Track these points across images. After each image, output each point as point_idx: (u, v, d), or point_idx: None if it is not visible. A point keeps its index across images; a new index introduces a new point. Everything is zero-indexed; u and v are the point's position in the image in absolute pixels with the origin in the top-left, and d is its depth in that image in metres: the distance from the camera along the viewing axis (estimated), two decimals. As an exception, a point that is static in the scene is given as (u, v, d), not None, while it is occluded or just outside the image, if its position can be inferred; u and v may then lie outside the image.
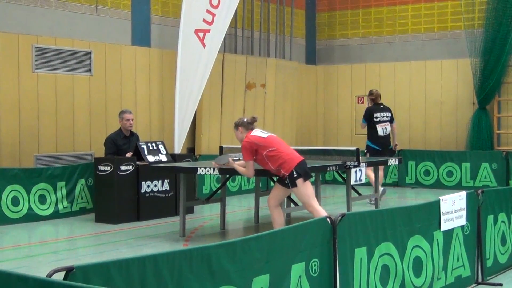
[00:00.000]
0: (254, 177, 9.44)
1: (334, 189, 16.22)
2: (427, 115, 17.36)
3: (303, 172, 8.26)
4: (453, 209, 6.61)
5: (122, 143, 11.82)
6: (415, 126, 17.51)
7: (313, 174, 9.94)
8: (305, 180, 8.28)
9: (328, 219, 5.24)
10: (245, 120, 8.60)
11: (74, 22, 13.07)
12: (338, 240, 5.27)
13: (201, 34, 13.40)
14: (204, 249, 4.25)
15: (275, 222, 8.60)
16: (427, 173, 16.18)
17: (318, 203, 8.52)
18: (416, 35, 17.75)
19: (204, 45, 13.40)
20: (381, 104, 13.75)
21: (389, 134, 13.61)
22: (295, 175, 8.20)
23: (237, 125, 8.61)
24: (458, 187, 15.25)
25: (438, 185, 15.87)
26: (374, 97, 13.70)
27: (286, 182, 8.31)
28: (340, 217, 5.29)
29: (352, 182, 10.30)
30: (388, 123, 13.57)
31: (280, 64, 17.16)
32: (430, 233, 6.32)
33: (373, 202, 12.77)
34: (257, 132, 8.47)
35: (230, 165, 8.81)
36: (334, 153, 14.47)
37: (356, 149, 10.19)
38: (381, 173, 13.58)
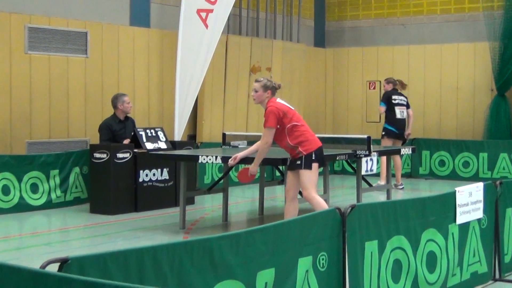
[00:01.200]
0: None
1: (343, 180, 16.23)
2: (443, 102, 17.34)
3: (321, 158, 8.20)
4: (470, 201, 6.61)
5: (118, 128, 11.83)
6: (430, 113, 17.50)
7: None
8: (319, 166, 8.24)
9: (337, 211, 5.24)
10: (276, 84, 8.36)
11: (69, 0, 13.06)
12: (348, 233, 5.28)
13: (203, 14, 13.38)
14: (206, 241, 4.27)
15: (289, 216, 8.32)
16: (442, 163, 16.17)
17: (317, 193, 8.37)
18: (432, 17, 17.70)
19: (206, 26, 13.37)
20: (397, 90, 14.52)
21: (405, 119, 14.32)
22: (313, 158, 8.09)
23: (266, 86, 8.26)
24: (474, 178, 15.22)
25: (454, 176, 15.87)
26: (393, 84, 14.38)
27: (299, 162, 8.12)
28: (350, 209, 5.29)
29: (363, 172, 10.30)
30: (405, 107, 14.37)
31: (287, 46, 17.14)
32: (445, 227, 6.33)
33: (400, 187, 13.88)
34: (283, 101, 8.31)
35: (240, 156, 8.60)
36: (343, 142, 14.52)
37: (367, 137, 10.17)
38: (398, 161, 13.85)
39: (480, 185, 6.79)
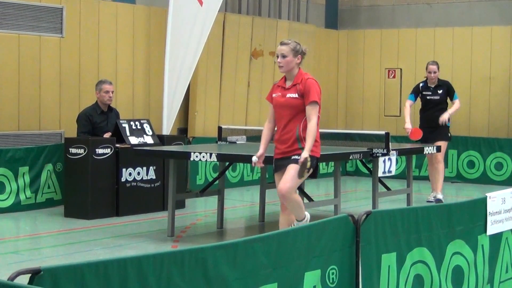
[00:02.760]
0: (259, 167, 8.67)
1: (357, 182, 16.27)
2: (473, 94, 17.35)
3: (316, 165, 7.83)
4: (503, 208, 6.63)
5: (99, 120, 11.86)
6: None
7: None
8: (312, 173, 7.77)
9: (350, 218, 5.26)
10: (306, 50, 7.96)
11: (42, -29, 13.09)
12: (362, 243, 5.30)
13: (197, -11, 13.41)
14: (198, 251, 4.29)
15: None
16: (471, 164, 16.21)
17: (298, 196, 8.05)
18: (462, -5, 17.73)
19: (201, 3, 13.39)
20: None
21: None
22: (315, 162, 7.72)
23: (296, 51, 7.82)
24: (509, 182, 15.28)
25: (485, 180, 15.93)
26: None
27: (296, 157, 7.62)
28: (364, 216, 5.31)
29: (380, 174, 10.34)
30: None
31: (294, 27, 17.15)
32: (473, 238, 6.35)
33: (432, 200, 13.06)
34: None
35: (264, 153, 7.98)
36: (358, 138, 14.54)
37: (386, 133, 10.21)
38: (441, 166, 13.07)
39: (515, 190, 6.82)
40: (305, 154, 7.49)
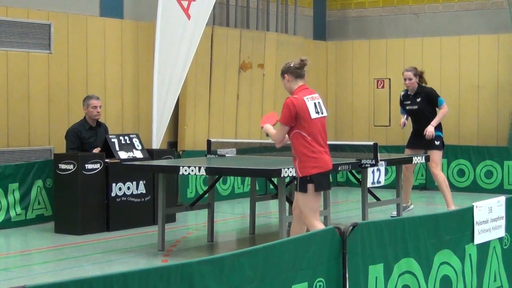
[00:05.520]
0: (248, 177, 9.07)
1: (348, 193, 16.27)
2: (462, 102, 17.40)
3: (317, 180, 7.93)
4: (490, 217, 6.65)
5: (87, 135, 11.87)
6: (447, 115, 17.50)
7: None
8: (316, 190, 7.96)
9: (336, 230, 5.28)
10: (292, 64, 8.07)
11: (29, -13, 13.11)
12: (349, 255, 5.31)
13: (185, 3, 13.44)
14: (184, 266, 4.29)
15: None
16: (461, 173, 16.23)
17: (319, 220, 8.20)
18: (449, 5, 17.78)
19: (188, 16, 13.43)
20: None
21: None
22: (308, 179, 7.90)
23: (283, 72, 8.09)
24: (499, 190, 15.30)
25: (475, 188, 15.94)
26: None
27: (295, 182, 8.12)
28: (351, 228, 5.33)
29: (369, 185, 10.33)
30: None
31: (282, 39, 17.19)
32: (461, 247, 6.36)
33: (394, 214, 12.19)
34: (310, 104, 7.96)
35: (266, 129, 8.29)
36: (348, 149, 14.54)
37: (374, 144, 10.22)
38: (439, 177, 12.53)
39: (501, 199, 6.83)
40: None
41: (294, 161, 8.06)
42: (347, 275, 5.29)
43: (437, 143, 12.39)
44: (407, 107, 12.60)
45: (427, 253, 6.01)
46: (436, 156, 12.38)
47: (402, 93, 12.77)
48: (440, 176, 12.55)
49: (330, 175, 8.41)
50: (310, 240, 5.12)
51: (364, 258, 5.46)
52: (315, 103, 8.01)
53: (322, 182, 8.00)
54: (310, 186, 7.91)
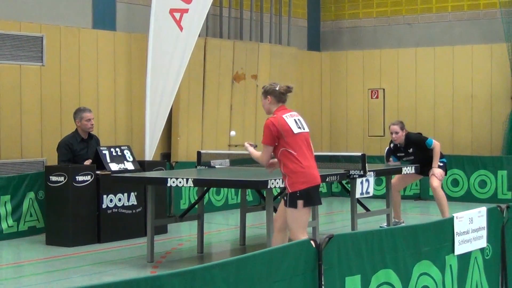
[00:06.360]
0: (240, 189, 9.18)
1: (342, 203, 16.24)
2: (455, 112, 17.42)
3: (307, 195, 8.00)
4: (471, 228, 6.67)
5: (79, 148, 11.87)
6: (441, 125, 17.57)
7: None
8: (305, 205, 8.01)
9: (312, 242, 5.29)
10: (277, 88, 8.15)
11: (22, 0, 13.13)
12: (325, 267, 5.32)
13: (177, 15, 13.44)
14: (155, 279, 4.30)
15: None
16: (455, 183, 16.22)
17: (307, 235, 8.19)
18: (442, 15, 17.81)
19: (181, 28, 13.44)
20: None
21: None
22: (298, 195, 7.97)
23: (266, 92, 8.18)
24: (493, 200, 15.28)
25: (469, 198, 15.93)
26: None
27: (285, 198, 8.16)
28: (327, 239, 5.34)
29: (357, 195, 10.35)
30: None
31: (276, 50, 17.21)
32: (441, 258, 6.38)
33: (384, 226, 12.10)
34: (290, 120, 8.06)
35: (246, 148, 8.50)
36: (343, 160, 14.52)
37: (362, 154, 10.25)
38: (438, 193, 12.51)
39: (483, 210, 6.86)
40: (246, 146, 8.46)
41: (284, 179, 8.13)
42: (323, 287, 5.31)
43: (441, 164, 12.43)
44: (404, 159, 12.58)
45: (405, 264, 6.03)
46: (439, 172, 12.38)
47: (391, 145, 12.64)
48: (439, 193, 12.53)
49: (321, 188, 8.44)
50: (285, 252, 5.13)
51: (340, 270, 5.47)
52: (295, 120, 8.11)
53: (312, 196, 8.06)
54: (300, 202, 7.98)
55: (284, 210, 8.25)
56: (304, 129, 8.15)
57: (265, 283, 4.95)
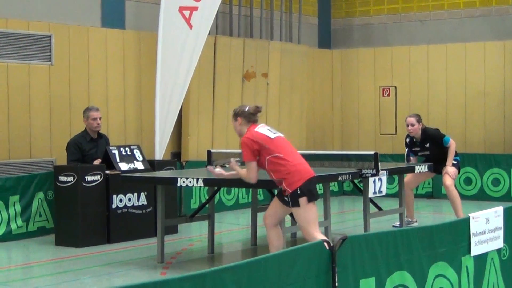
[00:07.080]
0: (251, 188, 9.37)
1: (354, 202, 16.14)
2: (468, 109, 17.30)
3: (308, 191, 8.15)
4: (487, 228, 6.56)
5: (88, 147, 11.82)
6: (453, 123, 17.45)
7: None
8: (309, 200, 8.14)
9: (325, 244, 5.19)
10: (246, 109, 8.45)
11: (30, -1, 13.10)
12: (339, 269, 5.21)
13: (186, 13, 13.39)
14: (164, 284, 4.21)
15: (272, 245, 8.59)
16: (468, 181, 16.13)
17: (319, 231, 8.32)
18: (454, 12, 17.69)
19: (190, 26, 13.38)
20: None
21: None
22: (299, 192, 8.11)
23: (236, 114, 8.49)
24: (506, 198, 15.24)
25: (482, 196, 15.85)
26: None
27: (286, 199, 8.23)
28: (340, 241, 5.23)
29: (370, 195, 10.27)
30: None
31: (286, 48, 17.12)
32: (457, 259, 6.28)
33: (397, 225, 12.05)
34: (263, 129, 8.34)
35: (231, 166, 8.65)
36: (354, 158, 14.42)
37: (375, 153, 10.14)
38: (452, 193, 12.37)
39: (499, 209, 6.75)
40: (218, 171, 8.79)
41: (280, 185, 8.28)
42: (337, 290, 5.21)
43: (454, 162, 12.34)
44: (419, 153, 12.48)
45: (421, 266, 5.93)
46: (452, 170, 12.27)
47: (407, 139, 12.59)
48: (453, 192, 12.39)
49: (332, 187, 8.45)
50: (297, 255, 5.03)
51: (354, 272, 5.37)
52: (267, 128, 8.41)
53: (312, 190, 8.22)
54: (303, 199, 8.13)
55: (276, 207, 8.52)
56: (278, 133, 8.42)
57: (278, 286, 4.85)
